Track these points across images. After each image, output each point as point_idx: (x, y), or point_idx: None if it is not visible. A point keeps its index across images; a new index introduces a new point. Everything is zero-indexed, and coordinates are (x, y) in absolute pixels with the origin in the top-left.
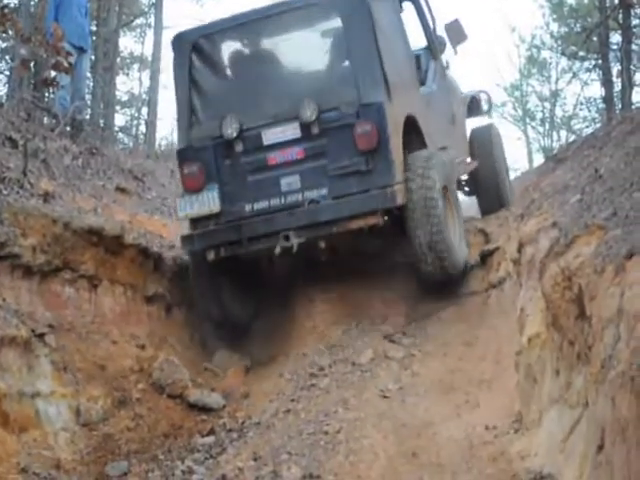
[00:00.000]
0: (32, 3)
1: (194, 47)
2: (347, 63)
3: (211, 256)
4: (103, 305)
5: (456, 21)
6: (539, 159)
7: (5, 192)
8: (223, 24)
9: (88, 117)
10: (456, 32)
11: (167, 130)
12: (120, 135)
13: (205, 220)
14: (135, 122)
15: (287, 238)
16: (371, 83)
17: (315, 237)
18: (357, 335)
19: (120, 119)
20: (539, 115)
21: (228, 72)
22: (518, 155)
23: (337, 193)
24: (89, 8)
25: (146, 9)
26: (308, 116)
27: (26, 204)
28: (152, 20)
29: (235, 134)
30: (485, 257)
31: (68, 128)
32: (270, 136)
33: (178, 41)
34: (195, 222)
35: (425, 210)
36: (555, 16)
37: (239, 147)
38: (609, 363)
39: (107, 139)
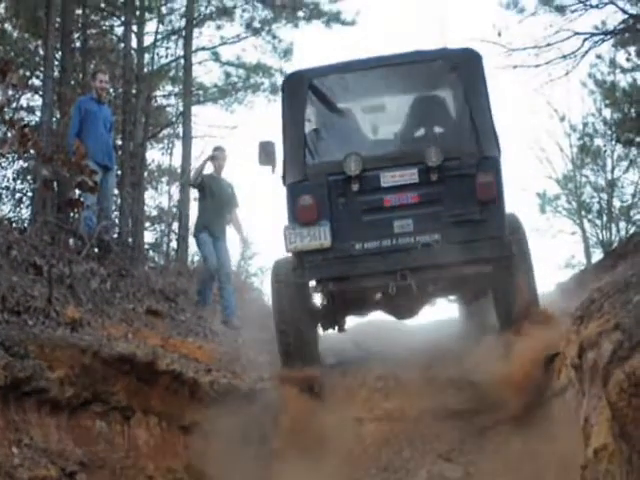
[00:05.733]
0: (54, 120)
1: (310, 85)
2: (467, 117)
3: (319, 289)
4: (137, 438)
5: None
6: (597, 254)
7: (30, 323)
8: (342, 67)
9: (116, 236)
10: None
11: None
12: (150, 253)
13: (312, 254)
14: (165, 238)
15: (404, 277)
16: (488, 138)
17: (427, 279)
18: (410, 455)
19: (149, 236)
20: (595, 207)
21: (346, 112)
22: (575, 250)
23: (449, 239)
24: (114, 122)
25: (173, 119)
26: (434, 162)
27: (52, 335)
28: (180, 130)
29: (358, 172)
30: (545, 363)
31: (95, 250)
32: (388, 179)
33: (293, 79)
34: (301, 255)
35: (526, 264)
36: (607, 101)
37: (356, 186)
38: None
39: (136, 259)
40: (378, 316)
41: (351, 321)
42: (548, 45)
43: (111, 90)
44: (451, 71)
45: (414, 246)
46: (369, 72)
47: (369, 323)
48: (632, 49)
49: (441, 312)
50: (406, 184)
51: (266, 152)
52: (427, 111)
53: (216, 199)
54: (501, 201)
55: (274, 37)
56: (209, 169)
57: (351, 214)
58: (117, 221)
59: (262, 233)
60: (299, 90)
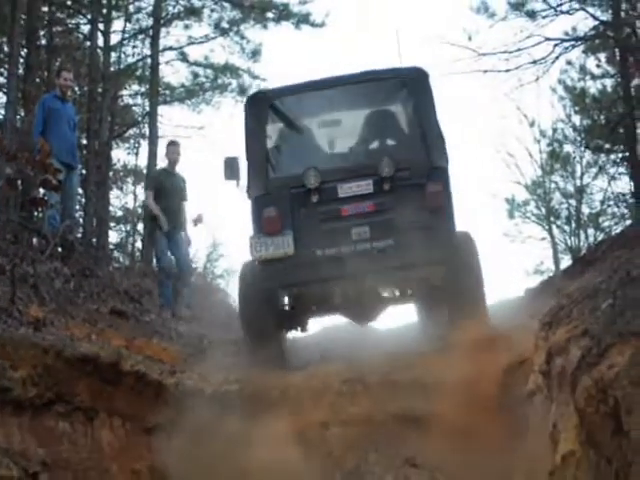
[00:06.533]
0: (18, 117)
1: (271, 105)
2: (417, 131)
3: (284, 294)
4: (100, 439)
5: None
6: (566, 261)
7: None
8: (300, 87)
9: (80, 236)
10: None
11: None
12: (115, 253)
13: (277, 262)
14: (130, 239)
15: (360, 281)
16: (437, 150)
17: (382, 282)
18: (375, 460)
19: (114, 236)
20: (564, 213)
21: (305, 129)
22: (543, 256)
23: (403, 245)
24: (78, 121)
25: (139, 119)
26: (387, 173)
27: (15, 334)
28: (146, 130)
29: (317, 185)
30: (513, 369)
31: (59, 249)
32: (345, 189)
33: (256, 99)
34: (266, 262)
35: (477, 279)
36: (577, 108)
37: (315, 197)
38: None
39: (101, 259)
40: (344, 320)
41: (317, 324)
42: (518, 50)
43: (76, 88)
44: (402, 89)
45: (371, 251)
46: (326, 91)
47: (335, 327)
48: (602, 55)
49: (407, 316)
50: (362, 194)
51: (231, 167)
52: (380, 126)
53: (170, 195)
54: (450, 208)
55: (242, 38)
56: (163, 164)
57: (312, 223)
58: (81, 221)
59: (229, 235)
60: (261, 110)
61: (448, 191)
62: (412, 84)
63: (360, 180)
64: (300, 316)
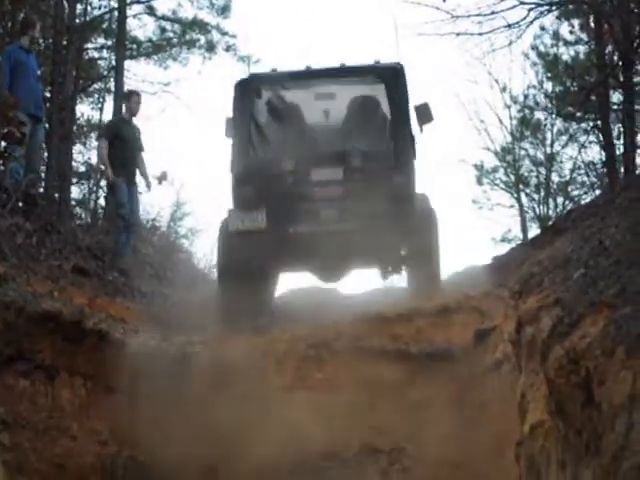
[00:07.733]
0: None
1: (257, 91)
2: (389, 124)
3: (255, 266)
4: (61, 398)
5: (425, 104)
6: (534, 229)
7: None
8: (286, 76)
9: (42, 191)
10: (424, 113)
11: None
12: (77, 210)
13: (252, 235)
14: (93, 195)
15: (327, 260)
16: (406, 144)
17: (348, 262)
18: (341, 427)
19: (76, 192)
20: (533, 181)
21: (286, 116)
22: (511, 224)
23: (369, 229)
24: (42, 73)
25: (105, 73)
26: (356, 163)
27: None
28: (112, 85)
29: (292, 169)
30: (480, 337)
31: (20, 204)
32: (318, 175)
33: (243, 85)
34: (242, 235)
35: (434, 249)
36: (549, 74)
37: (290, 179)
38: (621, 454)
39: (63, 214)
40: (311, 283)
41: (283, 287)
42: (493, 13)
43: (40, 40)
44: (379, 84)
45: (338, 231)
46: (308, 82)
47: (301, 290)
48: (576, 22)
49: (377, 281)
50: (332, 180)
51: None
52: (355, 118)
53: (126, 145)
54: (414, 197)
55: None
56: (123, 111)
57: (285, 203)
58: (44, 175)
59: (194, 194)
60: (247, 95)
61: (413, 181)
62: (389, 81)
63: (332, 167)
64: (271, 274)
